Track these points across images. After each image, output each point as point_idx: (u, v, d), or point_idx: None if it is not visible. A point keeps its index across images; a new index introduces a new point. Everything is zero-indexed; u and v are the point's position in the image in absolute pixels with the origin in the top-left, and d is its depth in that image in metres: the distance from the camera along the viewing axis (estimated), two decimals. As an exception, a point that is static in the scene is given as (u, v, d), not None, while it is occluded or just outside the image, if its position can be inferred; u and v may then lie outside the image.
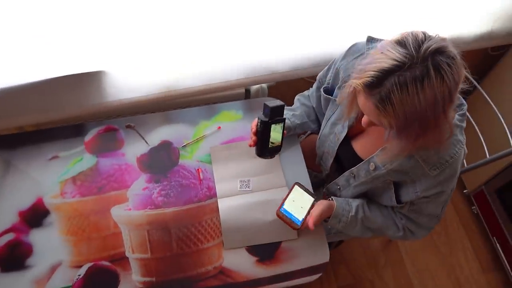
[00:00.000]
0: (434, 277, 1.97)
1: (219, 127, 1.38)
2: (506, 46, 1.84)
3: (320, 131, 1.29)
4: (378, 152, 1.07)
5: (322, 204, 1.15)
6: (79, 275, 1.14)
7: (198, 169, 1.30)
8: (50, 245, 1.18)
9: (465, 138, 1.01)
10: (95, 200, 1.24)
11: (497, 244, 1.92)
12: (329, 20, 1.42)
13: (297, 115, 1.32)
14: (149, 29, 1.25)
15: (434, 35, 0.82)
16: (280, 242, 1.21)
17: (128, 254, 1.18)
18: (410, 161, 1.00)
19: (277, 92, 1.78)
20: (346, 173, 1.21)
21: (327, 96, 1.22)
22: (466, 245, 2.07)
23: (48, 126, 1.41)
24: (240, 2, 1.26)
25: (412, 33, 0.81)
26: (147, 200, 1.24)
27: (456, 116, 1.00)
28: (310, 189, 1.25)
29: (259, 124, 1.13)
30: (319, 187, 1.43)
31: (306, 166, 1.33)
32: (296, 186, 1.20)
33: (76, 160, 1.30)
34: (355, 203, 1.18)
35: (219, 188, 1.27)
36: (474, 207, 2.05)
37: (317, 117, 1.38)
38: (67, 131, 1.35)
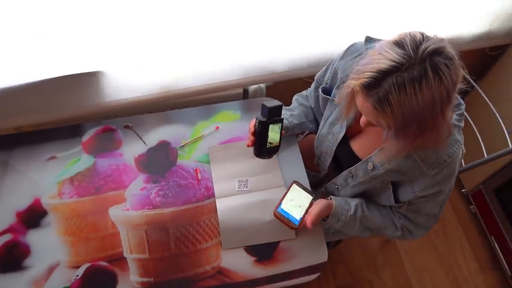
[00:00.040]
0: (432, 277, 1.98)
1: (217, 127, 1.38)
2: (504, 46, 1.84)
3: (318, 131, 1.29)
4: (376, 152, 1.07)
5: (320, 203, 1.15)
6: (77, 276, 1.14)
7: (196, 169, 1.30)
8: (47, 245, 1.17)
9: (463, 138, 1.02)
10: (93, 201, 1.24)
11: (495, 243, 1.92)
12: (327, 20, 1.42)
13: (295, 115, 1.32)
14: (147, 29, 1.25)
15: (432, 35, 0.82)
16: (278, 242, 1.21)
17: (126, 254, 1.17)
18: (408, 161, 1.00)
19: (275, 92, 1.78)
20: (344, 172, 1.21)
21: (325, 96, 1.22)
22: (464, 244, 2.07)
23: (45, 126, 1.40)
24: (238, 2, 1.26)
25: (410, 34, 0.81)
26: (145, 200, 1.24)
27: (454, 116, 1.00)
28: (309, 188, 1.25)
29: (257, 124, 1.13)
30: (318, 187, 1.43)
31: (304, 166, 1.33)
32: (294, 185, 1.20)
33: (74, 160, 1.30)
34: (353, 202, 1.18)
35: (217, 188, 1.26)
36: (472, 206, 2.05)
37: (315, 117, 1.38)
38: (65, 131, 1.35)
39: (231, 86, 1.53)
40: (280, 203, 1.16)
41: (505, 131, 1.52)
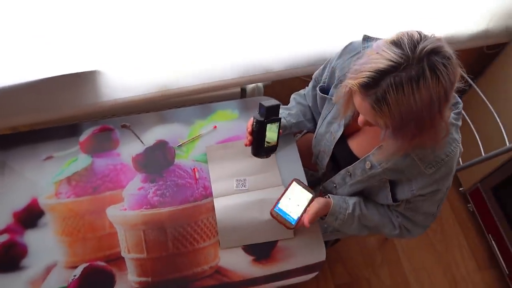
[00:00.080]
0: (430, 275, 1.98)
1: (215, 127, 1.38)
2: (501, 44, 1.84)
3: (316, 130, 1.29)
4: (374, 151, 1.07)
5: (318, 201, 1.15)
6: (75, 276, 1.13)
7: (194, 169, 1.30)
8: (45, 245, 1.17)
9: (460, 136, 1.02)
10: (90, 201, 1.23)
11: (493, 242, 1.93)
12: (324, 19, 1.42)
13: (293, 114, 1.32)
14: (144, 28, 1.24)
15: (429, 35, 0.82)
16: (276, 241, 1.21)
17: (123, 254, 1.17)
18: (406, 160, 1.00)
19: (273, 91, 1.78)
20: (342, 171, 1.21)
21: (323, 95, 1.22)
22: (462, 242, 2.07)
23: (42, 126, 1.40)
24: (235, 1, 1.25)
25: (407, 33, 0.81)
26: (143, 200, 1.23)
27: (452, 115, 1.00)
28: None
29: (254, 123, 1.12)
30: (316, 186, 1.43)
31: (302, 165, 1.33)
32: (294, 182, 1.19)
33: (71, 160, 1.29)
34: (352, 200, 1.18)
35: (215, 187, 1.26)
36: (470, 204, 2.06)
37: (313, 116, 1.37)
38: (62, 131, 1.34)
39: (228, 85, 1.53)
40: (277, 202, 1.15)
41: (503, 129, 1.52)
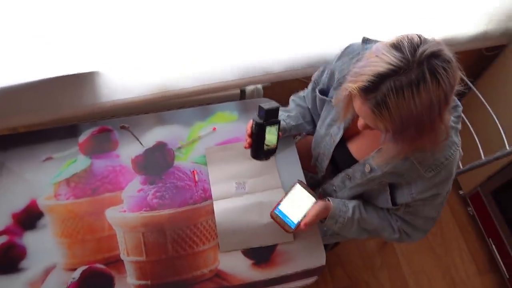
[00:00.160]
0: (429, 279, 1.97)
1: (214, 128, 1.38)
2: (500, 46, 1.84)
3: (316, 132, 1.29)
4: (373, 154, 1.07)
5: (318, 205, 1.14)
6: (74, 278, 1.13)
7: (193, 171, 1.29)
8: (44, 247, 1.17)
9: (460, 140, 1.01)
10: (89, 202, 1.23)
11: (493, 246, 1.92)
12: (324, 21, 1.42)
13: (292, 117, 1.32)
14: (143, 29, 1.24)
15: (429, 38, 0.81)
16: (275, 245, 1.20)
17: (123, 256, 1.17)
18: (406, 163, 1.00)
19: (272, 92, 1.78)
20: (342, 174, 1.21)
21: (322, 97, 1.22)
22: (462, 246, 2.07)
23: (41, 127, 1.39)
24: (234, 2, 1.25)
25: (407, 37, 0.81)
26: (142, 202, 1.23)
27: (451, 118, 1.00)
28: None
29: (253, 126, 1.12)
30: (315, 188, 1.43)
31: (302, 167, 1.32)
32: (297, 184, 1.18)
33: (70, 161, 1.29)
34: (351, 204, 1.18)
35: (215, 190, 1.26)
36: (470, 208, 2.06)
37: (312, 118, 1.37)
38: (61, 132, 1.34)
39: (228, 87, 1.53)
40: (278, 204, 1.15)
41: (502, 132, 1.52)
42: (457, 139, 1.00)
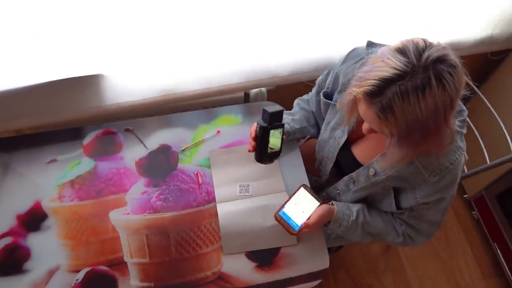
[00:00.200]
0: (434, 283, 1.96)
1: (218, 131, 1.38)
2: (506, 51, 1.83)
3: (320, 135, 1.28)
4: (378, 157, 1.07)
5: (322, 208, 1.14)
6: (77, 280, 1.13)
7: (197, 174, 1.30)
8: (48, 249, 1.17)
9: (465, 144, 1.01)
10: (93, 204, 1.23)
11: (498, 250, 1.91)
12: (328, 25, 1.42)
13: (297, 120, 1.32)
14: (148, 32, 1.25)
15: (434, 42, 0.81)
16: (279, 248, 1.20)
17: (126, 258, 1.17)
18: (410, 167, 1.00)
19: (276, 96, 1.78)
20: (346, 178, 1.20)
21: (327, 100, 1.22)
22: (467, 250, 2.06)
23: (46, 129, 1.40)
24: (239, 5, 1.26)
25: (412, 41, 0.81)
26: (146, 204, 1.23)
27: (457, 123, 0.99)
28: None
29: (258, 129, 1.12)
30: (319, 192, 1.43)
31: (306, 170, 1.32)
32: (302, 188, 1.19)
33: (74, 163, 1.30)
34: (355, 207, 1.17)
35: (218, 192, 1.26)
36: (475, 212, 2.04)
37: (316, 121, 1.37)
38: (66, 134, 1.35)
39: (232, 90, 1.53)
40: (282, 206, 1.15)
41: (508, 136, 1.51)
42: (462, 143, 1.00)
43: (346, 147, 1.19)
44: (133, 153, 1.32)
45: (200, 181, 1.28)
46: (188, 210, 1.23)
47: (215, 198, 1.25)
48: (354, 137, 1.18)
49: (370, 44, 1.08)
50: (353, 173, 1.16)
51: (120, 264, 1.16)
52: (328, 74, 1.25)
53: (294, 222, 1.13)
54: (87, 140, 1.34)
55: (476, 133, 1.68)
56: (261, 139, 1.13)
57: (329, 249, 1.36)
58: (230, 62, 1.45)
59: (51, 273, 1.14)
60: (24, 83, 1.27)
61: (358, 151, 1.17)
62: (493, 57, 1.90)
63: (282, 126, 1.14)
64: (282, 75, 1.54)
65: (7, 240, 1.18)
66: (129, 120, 1.40)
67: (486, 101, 1.62)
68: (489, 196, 1.91)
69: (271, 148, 1.15)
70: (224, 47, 1.39)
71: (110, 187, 1.26)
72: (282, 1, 1.28)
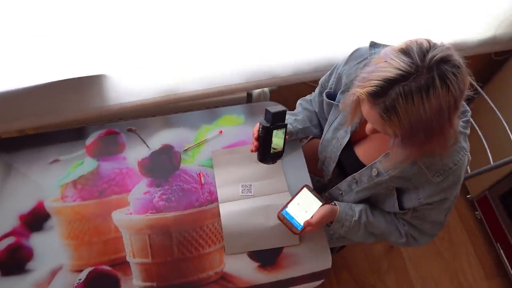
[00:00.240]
0: (437, 283, 1.96)
1: (221, 131, 1.38)
2: (509, 51, 1.83)
3: (323, 136, 1.28)
4: (381, 158, 1.07)
5: (324, 208, 1.14)
6: (80, 280, 1.13)
7: (199, 174, 1.30)
8: (50, 249, 1.17)
9: (469, 145, 1.01)
10: (96, 204, 1.24)
11: (501, 250, 1.90)
12: (331, 25, 1.42)
13: (299, 120, 1.32)
14: (151, 32, 1.25)
15: (438, 43, 0.81)
16: (281, 248, 1.20)
17: (129, 258, 1.17)
18: (413, 168, 0.99)
19: (279, 96, 1.78)
20: (349, 178, 1.20)
21: (330, 101, 1.21)
22: (469, 250, 2.05)
23: (49, 129, 1.40)
24: (242, 6, 1.26)
25: (416, 42, 0.81)
26: (148, 204, 1.23)
27: (460, 123, 0.99)
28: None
29: (260, 129, 1.12)
30: (321, 192, 1.42)
31: (308, 171, 1.32)
32: (304, 188, 1.19)
33: (77, 163, 1.30)
34: (358, 208, 1.17)
35: (221, 192, 1.26)
36: (478, 212, 2.04)
37: (319, 121, 1.37)
38: (68, 134, 1.35)
39: (234, 90, 1.53)
40: (286, 206, 1.15)
41: (511, 137, 1.51)
42: (465, 144, 0.99)
43: (349, 147, 1.18)
44: (135, 153, 1.32)
45: (203, 181, 1.28)
46: (191, 210, 1.23)
47: (217, 198, 1.25)
48: (357, 137, 1.18)
49: (373, 45, 1.08)
50: (356, 173, 1.16)
51: (122, 264, 1.16)
52: (331, 74, 1.24)
53: (297, 222, 1.13)
54: (89, 140, 1.34)
55: (480, 133, 1.68)
56: (263, 139, 1.12)
57: (332, 249, 1.36)
58: (232, 62, 1.45)
59: (53, 273, 1.14)
60: (27, 83, 1.27)
61: (361, 151, 1.17)
62: (497, 58, 1.89)
63: (285, 126, 1.14)
64: (285, 75, 1.54)
65: (10, 240, 1.18)
66: (132, 120, 1.40)
67: (489, 101, 1.62)
68: (492, 196, 1.90)
69: (273, 148, 1.15)
70: (227, 47, 1.39)
71: (113, 187, 1.26)
72: (283, 1, 1.28)
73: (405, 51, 0.80)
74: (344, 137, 1.17)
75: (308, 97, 1.40)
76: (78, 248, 1.18)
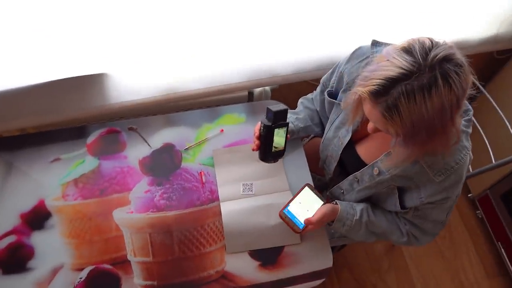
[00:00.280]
0: (438, 282, 1.96)
1: (222, 130, 1.38)
2: (511, 50, 1.82)
3: (324, 134, 1.28)
4: (382, 157, 1.06)
5: (325, 207, 1.14)
6: (81, 278, 1.14)
7: (200, 172, 1.29)
8: (51, 247, 1.17)
9: (470, 144, 1.00)
10: (97, 203, 1.24)
11: (502, 249, 1.90)
12: (332, 23, 1.42)
13: (301, 119, 1.31)
14: (152, 31, 1.24)
15: (441, 41, 0.80)
16: (282, 247, 1.20)
17: (130, 257, 1.17)
18: (415, 167, 0.99)
19: (280, 95, 1.78)
20: (350, 177, 1.20)
21: (331, 99, 1.21)
22: (471, 249, 2.05)
23: (50, 128, 1.40)
24: (243, 5, 1.25)
25: (418, 40, 0.80)
26: (149, 203, 1.23)
27: (462, 122, 0.99)
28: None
29: (262, 128, 1.12)
30: (323, 191, 1.42)
31: (310, 169, 1.32)
32: (306, 187, 1.19)
33: (78, 162, 1.30)
34: (359, 207, 1.17)
35: (222, 191, 1.26)
36: (479, 211, 2.04)
37: (320, 120, 1.37)
38: (69, 133, 1.35)
39: (236, 89, 1.53)
40: (287, 205, 1.15)
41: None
42: (467, 143, 0.99)
43: (350, 146, 1.18)
44: (136, 152, 1.32)
45: (204, 180, 1.28)
46: (192, 209, 1.23)
47: (218, 197, 1.25)
48: (359, 136, 1.17)
49: (375, 43, 1.08)
50: (358, 172, 1.15)
51: (123, 263, 1.16)
52: (332, 72, 1.24)
53: (299, 221, 1.13)
54: (91, 139, 1.34)
55: (482, 132, 1.67)
56: (265, 138, 1.12)
57: (333, 248, 1.36)
58: (234, 61, 1.45)
59: (54, 272, 1.14)
60: (28, 82, 1.27)
61: (362, 150, 1.17)
62: (499, 56, 1.89)
63: (286, 125, 1.14)
64: (286, 74, 1.54)
65: (11, 239, 1.18)
66: (133, 119, 1.40)
67: (491, 100, 1.62)
68: (494, 196, 1.90)
69: (275, 147, 1.15)
70: (228, 46, 1.38)
71: (114, 186, 1.26)
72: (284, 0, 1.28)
73: (407, 50, 0.80)
74: (345, 136, 1.17)
75: (309, 95, 1.40)
76: (79, 246, 1.18)
